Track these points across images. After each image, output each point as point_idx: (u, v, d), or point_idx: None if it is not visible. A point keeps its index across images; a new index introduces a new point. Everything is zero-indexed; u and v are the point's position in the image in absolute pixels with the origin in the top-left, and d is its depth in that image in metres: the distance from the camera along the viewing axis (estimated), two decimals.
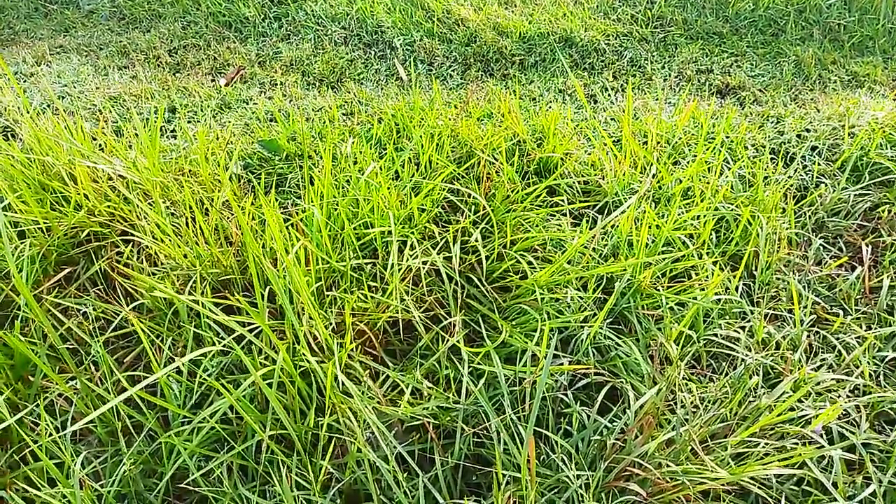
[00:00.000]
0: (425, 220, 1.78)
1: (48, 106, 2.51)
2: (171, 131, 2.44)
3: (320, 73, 2.94)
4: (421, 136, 2.13)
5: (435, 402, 1.32)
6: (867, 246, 1.81)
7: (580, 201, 1.99)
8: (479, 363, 1.42)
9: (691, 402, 1.35)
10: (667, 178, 1.93)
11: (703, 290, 1.55)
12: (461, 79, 2.97)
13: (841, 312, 1.68)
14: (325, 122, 2.42)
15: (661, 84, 2.89)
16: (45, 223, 1.60)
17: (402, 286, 1.56)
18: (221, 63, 3.02)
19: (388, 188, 1.76)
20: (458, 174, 2.01)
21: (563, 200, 1.94)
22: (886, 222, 1.90)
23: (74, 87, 2.73)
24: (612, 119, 2.54)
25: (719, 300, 1.60)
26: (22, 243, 1.53)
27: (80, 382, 1.30)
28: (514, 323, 1.50)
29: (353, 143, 2.13)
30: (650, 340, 1.50)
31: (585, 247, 1.57)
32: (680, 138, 2.22)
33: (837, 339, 1.59)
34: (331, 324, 1.44)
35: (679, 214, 1.79)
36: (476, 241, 1.71)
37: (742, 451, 1.29)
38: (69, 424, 1.28)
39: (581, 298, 1.50)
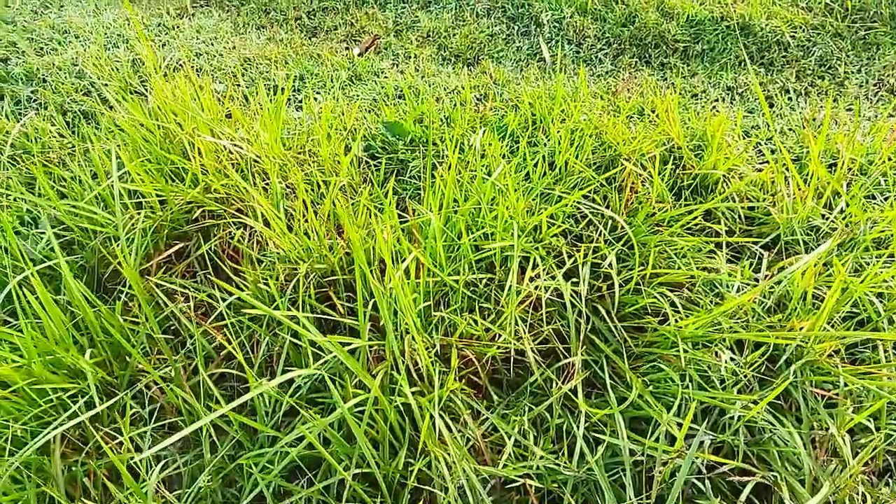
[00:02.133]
0: (552, 234, 1.61)
1: (182, 64, 2.59)
2: (300, 102, 2.42)
3: (457, 47, 2.81)
4: (559, 134, 1.95)
5: (542, 462, 1.18)
6: None
7: (742, 230, 1.73)
8: (598, 420, 1.26)
9: None
10: (859, 216, 1.62)
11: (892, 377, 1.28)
12: (612, 65, 2.72)
13: None
14: (455, 105, 2.30)
15: (855, 91, 2.47)
16: (160, 196, 1.62)
17: (519, 311, 1.42)
18: (358, 30, 2.98)
19: (516, 193, 1.61)
20: (599, 182, 1.82)
21: (721, 228, 1.69)
22: None
23: (212, 46, 2.80)
24: (790, 129, 2.20)
25: None
26: (139, 213, 1.55)
27: (173, 371, 1.29)
28: (646, 378, 1.31)
29: (482, 133, 1.99)
30: (815, 425, 1.25)
31: (747, 300, 1.34)
32: (878, 165, 1.87)
33: None
34: (434, 346, 1.34)
35: (872, 265, 1.49)
36: (610, 265, 1.53)
37: None
38: (156, 415, 1.28)
39: (734, 361, 1.28)
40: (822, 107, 2.35)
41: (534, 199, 1.73)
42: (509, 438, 1.22)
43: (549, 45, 2.82)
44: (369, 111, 2.32)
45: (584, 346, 1.46)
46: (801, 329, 1.27)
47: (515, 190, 1.65)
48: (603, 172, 1.90)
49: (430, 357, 1.29)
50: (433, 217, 1.38)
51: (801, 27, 2.86)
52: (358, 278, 1.14)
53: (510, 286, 1.39)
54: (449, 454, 1.12)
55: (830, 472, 1.19)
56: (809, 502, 1.05)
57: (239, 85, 2.44)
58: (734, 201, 1.78)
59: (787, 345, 1.27)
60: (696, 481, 1.16)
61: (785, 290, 1.43)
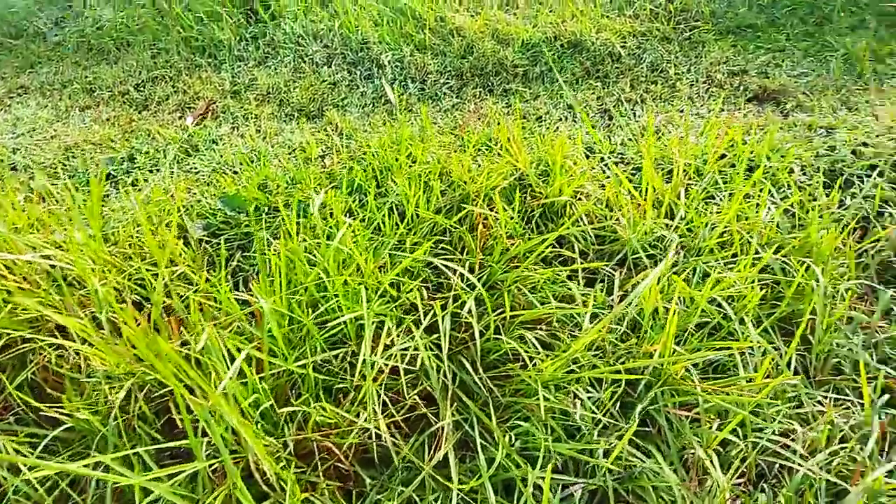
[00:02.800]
0: (408, 290, 1.56)
1: None
2: (132, 183, 2.26)
3: (299, 101, 2.73)
4: (407, 180, 1.91)
5: None
6: None
7: (595, 251, 1.75)
8: (472, 488, 1.20)
9: None
10: (697, 221, 1.68)
11: (749, 381, 1.30)
12: (457, 97, 2.74)
13: None
14: (299, 164, 2.22)
15: (687, 91, 2.62)
16: None
17: (376, 386, 1.34)
18: (192, 96, 2.84)
19: (365, 254, 1.54)
20: (451, 226, 1.79)
21: (573, 254, 1.70)
22: None
23: (30, 138, 2.58)
24: (630, 139, 2.29)
25: (767, 388, 1.35)
26: None
27: None
28: (513, 434, 1.27)
29: (325, 192, 1.92)
30: (685, 447, 1.25)
31: (599, 330, 1.34)
32: (711, 165, 1.96)
33: None
34: (287, 446, 1.23)
35: (715, 267, 1.54)
36: (470, 312, 1.49)
37: None
38: None
39: (592, 399, 1.26)
40: (657, 113, 2.46)
41: (384, 256, 1.67)
42: None
43: (393, 85, 2.80)
44: (208, 184, 2.19)
45: (455, 405, 1.41)
46: (654, 350, 1.28)
47: (366, 250, 1.59)
48: (455, 213, 1.87)
49: (281, 461, 1.19)
50: (265, 304, 1.28)
51: (630, 35, 3.01)
52: (178, 398, 1.03)
53: (363, 359, 1.31)
54: None
55: (707, 492, 1.19)
56: None
57: (59, 179, 2.24)
58: (584, 223, 1.80)
59: (643, 370, 1.27)
60: None
61: (637, 310, 1.44)
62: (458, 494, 1.19)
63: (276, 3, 3.27)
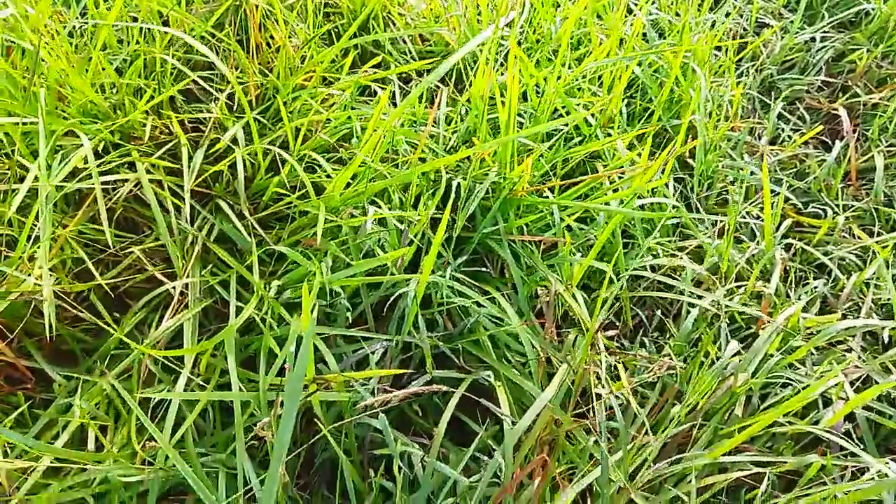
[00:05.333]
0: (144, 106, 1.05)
1: None
2: None
3: None
4: None
5: (113, 469, 0.66)
6: (844, 110, 1.31)
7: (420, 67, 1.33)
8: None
9: (619, 402, 0.77)
10: (544, 16, 1.30)
11: (616, 190, 0.96)
12: None
13: (821, 211, 1.17)
14: None
15: None
16: None
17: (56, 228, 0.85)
18: None
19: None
20: (209, 34, 1.27)
21: (392, 66, 1.28)
22: (861, 76, 1.41)
23: None
24: None
25: (643, 207, 1.02)
26: None
27: None
28: (279, 280, 0.83)
29: None
30: (537, 288, 0.89)
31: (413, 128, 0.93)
32: None
33: (825, 253, 1.08)
34: None
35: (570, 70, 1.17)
36: (237, 139, 1.03)
37: (714, 480, 0.74)
38: None
39: (408, 222, 0.86)
40: None
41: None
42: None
43: None
44: None
45: (211, 267, 0.96)
46: (486, 157, 0.89)
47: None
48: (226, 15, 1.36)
49: None
50: None
51: None
52: None
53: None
54: None
55: (569, 347, 0.84)
56: (536, 403, 0.66)
57: None
58: (401, 31, 1.36)
59: (474, 181, 0.88)
60: (370, 423, 0.73)
61: (472, 121, 1.04)
62: (193, 376, 0.75)
63: None
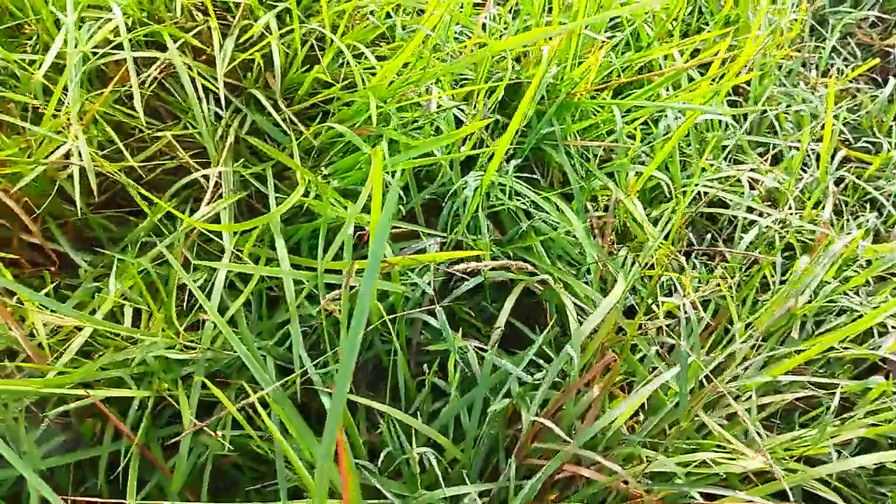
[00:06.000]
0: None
1: None
2: None
3: None
4: None
5: (156, 347, 0.62)
6: None
7: None
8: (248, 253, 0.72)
9: (680, 317, 0.74)
10: None
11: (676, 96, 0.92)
12: None
13: (872, 147, 1.14)
14: None
15: None
16: None
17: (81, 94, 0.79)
18: None
19: None
20: None
21: None
22: None
23: None
24: None
25: (696, 127, 0.98)
26: None
27: None
28: (327, 172, 0.79)
29: None
30: (589, 199, 0.86)
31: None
32: None
33: (876, 188, 1.05)
34: None
35: None
36: (270, 29, 0.96)
37: (771, 400, 0.72)
38: None
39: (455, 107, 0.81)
40: None
41: None
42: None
43: None
44: None
45: (243, 161, 0.91)
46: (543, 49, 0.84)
47: None
48: None
49: None
50: None
51: None
52: None
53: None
54: None
55: (625, 259, 0.81)
56: (605, 302, 0.63)
57: None
58: None
59: (526, 81, 0.83)
60: (426, 319, 0.70)
61: (525, 19, 0.99)
62: (232, 254, 0.71)
63: None
